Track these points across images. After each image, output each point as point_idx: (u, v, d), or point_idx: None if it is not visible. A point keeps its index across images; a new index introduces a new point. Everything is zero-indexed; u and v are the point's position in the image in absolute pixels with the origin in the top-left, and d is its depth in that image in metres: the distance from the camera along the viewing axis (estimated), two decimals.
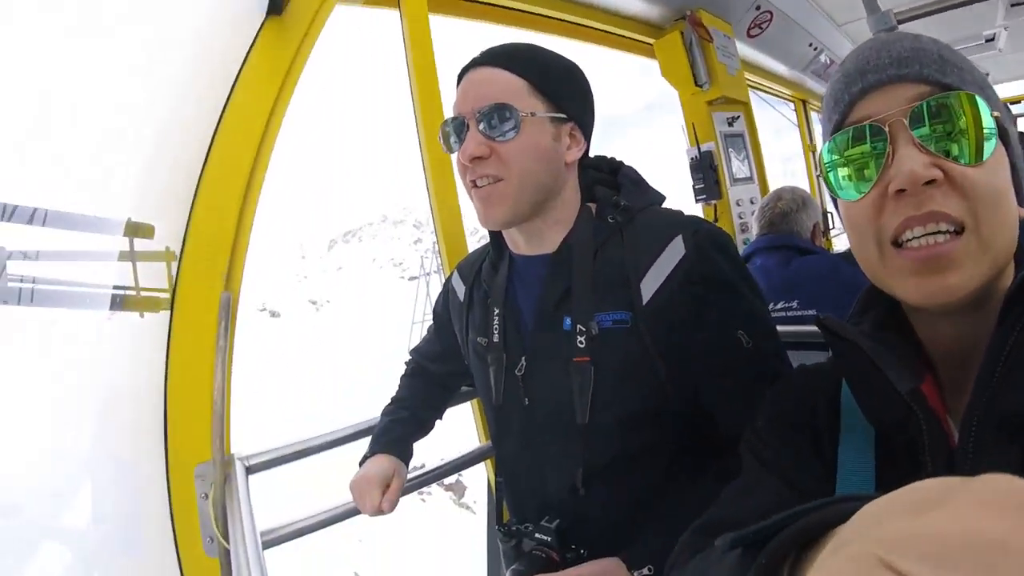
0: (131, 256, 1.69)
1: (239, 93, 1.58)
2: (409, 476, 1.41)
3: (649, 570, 0.99)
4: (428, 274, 24.67)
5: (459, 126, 1.08)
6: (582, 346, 1.06)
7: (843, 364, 0.74)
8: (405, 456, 1.37)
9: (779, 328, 1.15)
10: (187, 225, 1.53)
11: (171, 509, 1.48)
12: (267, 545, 1.35)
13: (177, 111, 1.62)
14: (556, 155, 1.10)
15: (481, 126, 1.05)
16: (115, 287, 1.95)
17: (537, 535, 1.09)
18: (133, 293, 1.59)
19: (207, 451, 1.45)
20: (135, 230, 1.62)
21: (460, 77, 1.12)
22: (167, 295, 1.55)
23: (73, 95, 1.45)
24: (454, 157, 1.11)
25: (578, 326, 1.07)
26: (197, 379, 1.52)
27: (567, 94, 1.11)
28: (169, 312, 1.54)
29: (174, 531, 1.49)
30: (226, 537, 1.31)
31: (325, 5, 1.73)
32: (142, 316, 1.56)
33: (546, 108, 1.08)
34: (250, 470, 1.42)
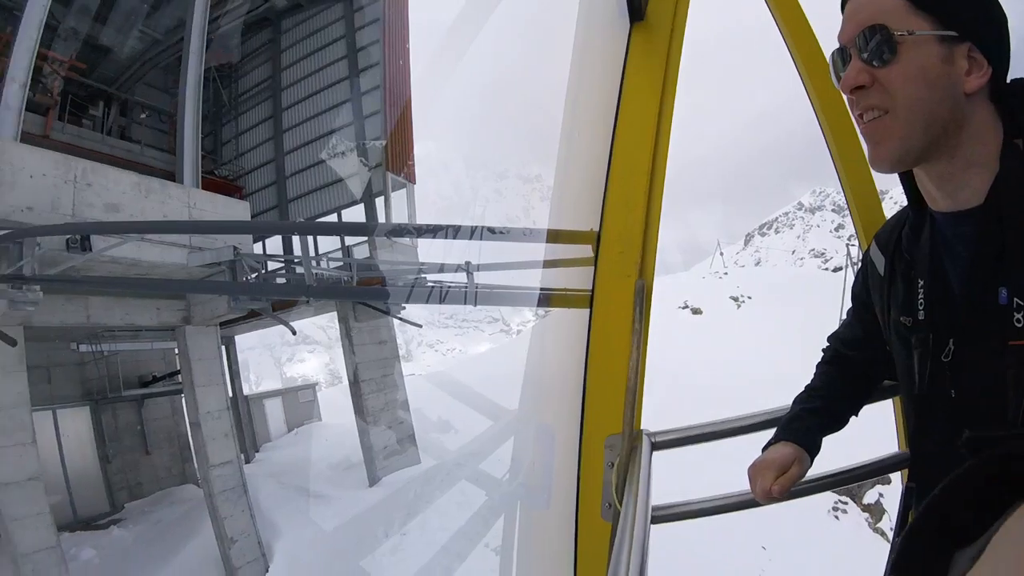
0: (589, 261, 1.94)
1: (627, 98, 1.69)
2: (815, 475, 1.32)
3: None
4: (855, 263, 22.33)
5: (843, 56, 1.00)
6: (1019, 325, 0.87)
7: None
8: (811, 447, 1.28)
9: None
10: (601, 222, 1.69)
11: (579, 474, 1.65)
12: (657, 520, 1.40)
13: (579, 123, 1.81)
14: (949, 81, 0.92)
15: (860, 52, 0.96)
16: (542, 289, 2.26)
17: None
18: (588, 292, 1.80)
19: (618, 425, 1.58)
20: (579, 237, 1.85)
21: (842, 8, 1.03)
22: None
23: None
24: (846, 97, 1.01)
25: (1015, 300, 0.87)
26: (614, 360, 1.65)
27: (957, 9, 0.93)
28: (589, 300, 1.71)
29: (578, 493, 1.65)
30: (621, 505, 1.42)
31: (681, 3, 1.73)
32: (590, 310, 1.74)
33: (930, 26, 0.92)
34: (655, 446, 1.52)
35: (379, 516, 12.37)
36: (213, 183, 17.58)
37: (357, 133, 18.10)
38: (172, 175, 12.51)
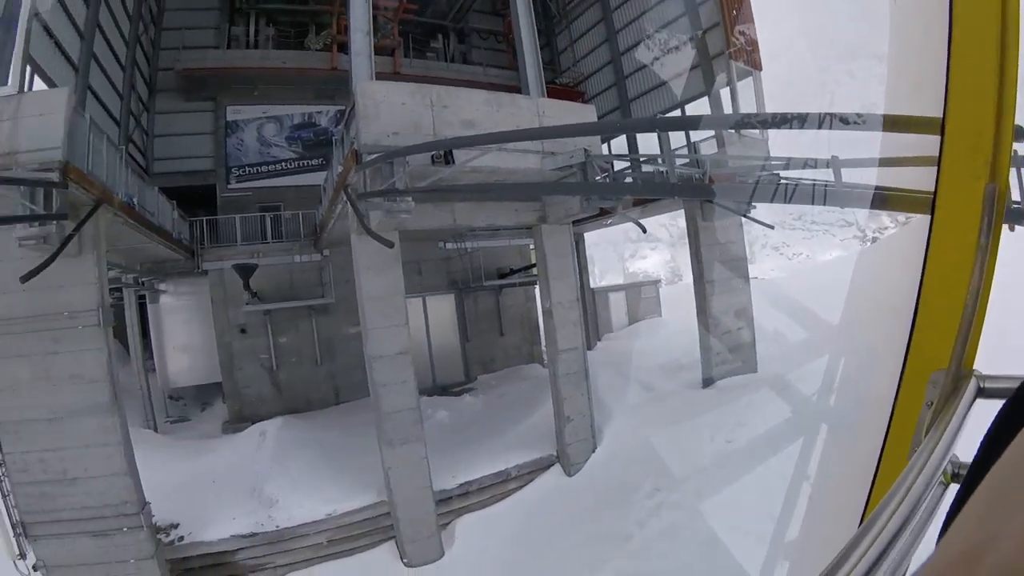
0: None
1: None
2: None
3: None
4: None
5: None
6: None
7: None
8: None
9: None
10: (945, 109, 1.38)
11: (893, 408, 1.46)
12: (957, 478, 1.15)
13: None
14: None
15: None
16: (877, 188, 1.95)
17: None
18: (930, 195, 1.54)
19: (947, 359, 1.35)
20: (920, 126, 1.56)
21: None
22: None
23: None
24: None
25: None
26: (952, 280, 1.40)
27: None
28: (931, 204, 1.45)
29: (888, 428, 1.48)
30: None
31: None
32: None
33: None
34: (982, 392, 1.25)
35: (708, 420, 12.39)
36: (556, 91, 18.49)
37: (692, 22, 17.16)
38: (516, 89, 13.45)
